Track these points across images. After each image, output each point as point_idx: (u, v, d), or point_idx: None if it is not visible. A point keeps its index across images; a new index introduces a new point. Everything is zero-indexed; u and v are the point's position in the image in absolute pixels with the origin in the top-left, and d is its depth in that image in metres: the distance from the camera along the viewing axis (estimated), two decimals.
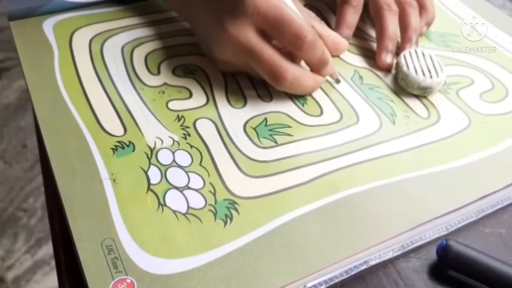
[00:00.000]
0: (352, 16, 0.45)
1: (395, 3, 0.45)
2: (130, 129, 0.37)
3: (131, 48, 0.44)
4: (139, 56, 0.43)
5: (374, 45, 0.46)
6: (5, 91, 1.52)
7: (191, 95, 0.40)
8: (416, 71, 0.41)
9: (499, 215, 0.35)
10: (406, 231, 0.32)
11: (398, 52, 0.44)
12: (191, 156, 0.36)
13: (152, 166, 0.35)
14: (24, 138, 1.39)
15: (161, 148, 0.36)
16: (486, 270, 0.31)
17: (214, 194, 0.33)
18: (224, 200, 0.33)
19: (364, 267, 0.31)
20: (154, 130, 0.37)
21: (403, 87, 0.42)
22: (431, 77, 0.41)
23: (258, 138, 0.38)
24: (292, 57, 0.40)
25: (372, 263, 0.32)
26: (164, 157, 0.36)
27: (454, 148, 0.38)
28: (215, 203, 0.33)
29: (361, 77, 0.43)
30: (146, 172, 0.34)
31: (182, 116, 0.39)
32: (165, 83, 0.41)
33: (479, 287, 0.31)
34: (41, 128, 0.37)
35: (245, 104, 0.40)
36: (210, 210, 0.33)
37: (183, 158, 0.36)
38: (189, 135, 0.37)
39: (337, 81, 0.42)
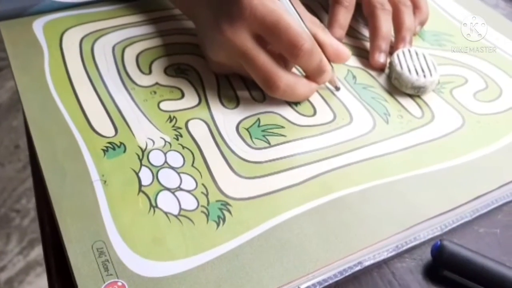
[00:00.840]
0: (344, 16, 0.45)
1: (389, 2, 0.45)
2: (121, 130, 0.37)
3: (122, 47, 0.43)
4: (130, 55, 0.43)
5: (368, 45, 0.46)
6: None
7: (183, 95, 0.40)
8: (409, 71, 0.41)
9: (493, 215, 0.35)
10: (400, 232, 0.32)
11: (391, 51, 0.44)
12: (183, 157, 0.35)
13: (143, 167, 0.34)
14: (17, 138, 1.38)
15: (153, 149, 0.36)
16: (480, 270, 0.30)
17: (206, 196, 0.33)
18: (217, 201, 0.33)
19: (358, 267, 0.31)
20: (145, 131, 0.37)
21: (397, 86, 0.42)
22: (424, 76, 0.41)
23: (251, 138, 0.37)
24: (287, 62, 0.40)
25: (367, 263, 0.31)
26: (156, 158, 0.35)
27: (448, 147, 0.37)
28: (208, 204, 0.33)
29: (354, 77, 0.43)
30: (137, 174, 0.34)
31: (174, 117, 0.38)
32: (156, 83, 0.41)
33: (474, 287, 0.31)
34: (31, 130, 0.36)
35: (237, 104, 0.40)
36: (202, 211, 0.32)
37: (175, 159, 0.35)
38: (181, 136, 0.37)
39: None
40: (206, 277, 0.29)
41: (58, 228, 0.30)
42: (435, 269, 0.32)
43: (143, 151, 0.35)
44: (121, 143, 0.36)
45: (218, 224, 0.32)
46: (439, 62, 0.44)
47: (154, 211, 0.32)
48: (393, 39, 0.45)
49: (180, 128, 0.37)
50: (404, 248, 0.32)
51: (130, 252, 0.30)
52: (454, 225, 0.34)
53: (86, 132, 0.36)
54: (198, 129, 0.37)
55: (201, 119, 0.38)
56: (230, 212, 0.32)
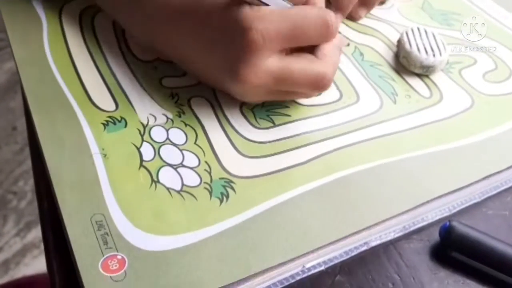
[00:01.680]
0: None
1: None
2: (122, 105, 0.36)
3: None
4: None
5: (375, 22, 0.45)
6: None
7: (185, 72, 0.39)
8: (418, 49, 0.40)
9: (502, 197, 0.34)
10: (407, 211, 0.31)
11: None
12: (186, 135, 0.34)
13: (144, 143, 0.33)
14: (14, 120, 1.37)
15: (155, 125, 0.35)
16: (489, 252, 0.30)
17: (209, 173, 0.32)
18: (220, 178, 0.32)
19: (365, 248, 0.30)
20: (147, 107, 0.36)
21: (405, 65, 0.41)
22: (434, 55, 0.40)
23: (255, 118, 0.36)
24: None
25: (373, 244, 0.31)
26: (158, 134, 0.34)
27: (457, 128, 0.37)
28: (211, 181, 0.32)
29: (361, 54, 0.42)
30: (138, 149, 0.33)
31: (177, 94, 0.37)
32: (158, 58, 0.40)
33: (482, 269, 0.30)
34: (29, 103, 0.35)
35: None
36: (205, 188, 0.31)
37: (177, 136, 0.34)
38: (183, 113, 0.36)
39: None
40: (209, 251, 0.28)
41: (56, 202, 0.30)
42: (443, 250, 0.31)
43: (144, 127, 0.34)
44: (122, 118, 0.35)
45: (221, 201, 0.31)
46: (447, 42, 0.43)
47: (156, 186, 0.31)
48: None
49: (182, 105, 0.36)
50: (412, 229, 0.32)
51: (131, 225, 0.29)
52: (462, 206, 0.33)
53: (86, 106, 0.35)
54: (201, 107, 0.36)
55: (204, 97, 0.37)
56: (233, 190, 0.31)
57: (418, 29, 0.41)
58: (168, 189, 0.31)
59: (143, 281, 0.27)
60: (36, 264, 1.10)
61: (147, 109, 0.36)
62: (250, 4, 0.32)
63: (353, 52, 0.42)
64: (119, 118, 0.35)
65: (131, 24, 0.39)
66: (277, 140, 0.35)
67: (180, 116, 0.36)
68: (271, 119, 0.36)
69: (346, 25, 0.45)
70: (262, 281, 0.28)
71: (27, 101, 0.35)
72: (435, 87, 0.40)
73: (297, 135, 0.35)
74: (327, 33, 0.34)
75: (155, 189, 0.31)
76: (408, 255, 0.31)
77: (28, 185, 1.23)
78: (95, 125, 0.34)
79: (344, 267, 0.30)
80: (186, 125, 0.35)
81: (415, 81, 0.40)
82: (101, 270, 0.27)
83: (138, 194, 0.30)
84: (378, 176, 0.33)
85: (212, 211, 0.30)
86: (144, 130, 0.34)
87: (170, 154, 0.33)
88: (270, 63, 0.33)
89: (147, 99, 0.36)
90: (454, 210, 0.33)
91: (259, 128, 0.36)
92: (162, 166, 0.32)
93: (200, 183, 0.32)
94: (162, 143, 0.34)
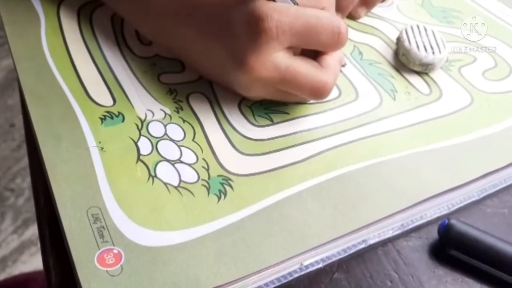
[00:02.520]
0: None
1: None
2: (120, 100, 0.35)
3: (122, 17, 0.42)
4: (130, 25, 0.41)
5: (374, 20, 0.44)
6: None
7: (183, 68, 0.39)
8: (418, 47, 0.40)
9: (501, 195, 0.34)
10: (405, 209, 0.31)
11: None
12: (184, 131, 0.34)
13: (142, 137, 0.33)
14: (12, 117, 1.37)
15: (152, 120, 0.34)
16: (488, 250, 0.30)
17: (207, 170, 0.32)
18: (218, 176, 0.32)
19: (363, 245, 0.30)
20: (144, 102, 0.36)
21: (404, 63, 0.40)
22: (433, 53, 0.39)
23: (253, 116, 0.36)
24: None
25: (371, 242, 0.30)
26: (156, 129, 0.34)
27: (456, 125, 0.36)
28: (209, 178, 0.32)
29: (360, 53, 0.42)
30: (136, 143, 0.33)
31: (175, 90, 0.37)
32: (156, 55, 0.39)
33: (481, 267, 0.30)
34: (26, 97, 0.35)
35: None
36: (203, 185, 0.31)
37: (175, 132, 0.34)
38: (181, 109, 0.36)
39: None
40: (206, 249, 0.28)
41: (52, 195, 0.29)
42: (441, 248, 0.31)
43: (142, 122, 0.34)
44: (119, 112, 0.35)
45: (219, 198, 0.31)
46: (447, 40, 0.42)
47: (153, 180, 0.31)
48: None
49: (181, 101, 0.36)
50: (410, 226, 0.31)
51: (127, 219, 0.28)
52: (461, 205, 0.33)
53: (83, 100, 0.35)
54: (200, 103, 0.36)
55: (202, 94, 0.37)
56: (231, 187, 0.31)
57: (418, 26, 0.41)
58: (165, 184, 0.31)
59: (139, 277, 0.26)
60: (34, 261, 1.10)
61: (145, 105, 0.35)
62: None
63: (352, 51, 0.42)
64: (117, 113, 0.34)
65: (133, 16, 0.39)
66: (275, 138, 0.35)
67: (178, 112, 0.35)
68: (269, 116, 0.36)
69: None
70: (259, 279, 0.28)
71: (24, 96, 0.35)
72: (434, 84, 0.40)
73: (296, 133, 0.35)
74: (338, 40, 0.34)
75: (153, 183, 0.31)
76: (406, 253, 0.31)
77: (25, 182, 1.23)
78: (92, 120, 0.34)
79: (342, 265, 0.30)
80: (184, 121, 0.35)
81: (414, 79, 0.40)
82: (97, 264, 0.27)
83: (135, 188, 0.30)
84: (377, 174, 0.33)
85: (209, 208, 0.30)
86: (142, 124, 0.34)
87: (167, 149, 0.33)
88: (278, 58, 0.33)
89: (145, 94, 0.36)
90: (453, 208, 0.32)
91: (257, 126, 0.35)
92: (160, 160, 0.32)
93: (198, 180, 0.31)
94: (160, 138, 0.33)
